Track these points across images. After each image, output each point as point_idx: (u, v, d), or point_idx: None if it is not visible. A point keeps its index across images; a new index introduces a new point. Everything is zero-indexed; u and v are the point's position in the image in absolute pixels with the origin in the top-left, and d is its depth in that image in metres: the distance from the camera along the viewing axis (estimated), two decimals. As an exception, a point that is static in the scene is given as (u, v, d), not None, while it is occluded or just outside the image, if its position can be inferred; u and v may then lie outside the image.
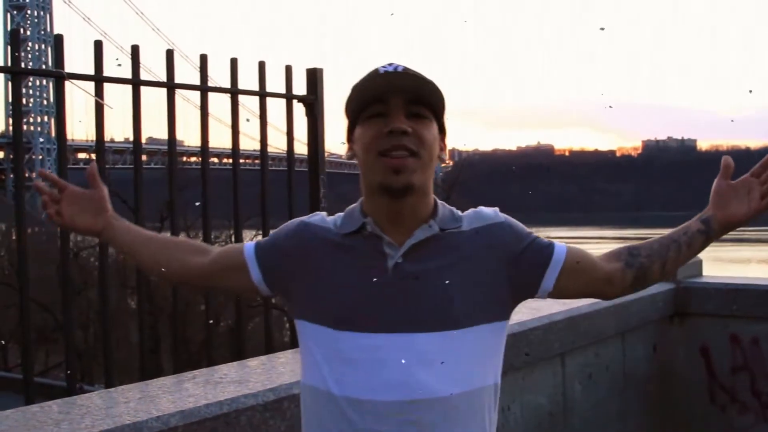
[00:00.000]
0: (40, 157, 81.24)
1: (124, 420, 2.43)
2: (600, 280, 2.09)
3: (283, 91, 4.65)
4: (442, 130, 2.01)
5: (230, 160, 4.47)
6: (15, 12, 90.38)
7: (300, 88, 4.74)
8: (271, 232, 2.17)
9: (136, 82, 3.94)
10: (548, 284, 2.03)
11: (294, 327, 5.08)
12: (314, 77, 4.81)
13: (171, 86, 4.11)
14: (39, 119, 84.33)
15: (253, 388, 2.81)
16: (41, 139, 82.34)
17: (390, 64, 1.96)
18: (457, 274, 1.94)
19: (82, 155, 60.69)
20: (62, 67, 3.67)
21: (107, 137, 3.95)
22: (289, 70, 4.65)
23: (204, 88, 4.27)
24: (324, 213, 2.13)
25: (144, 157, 4.22)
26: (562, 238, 2.50)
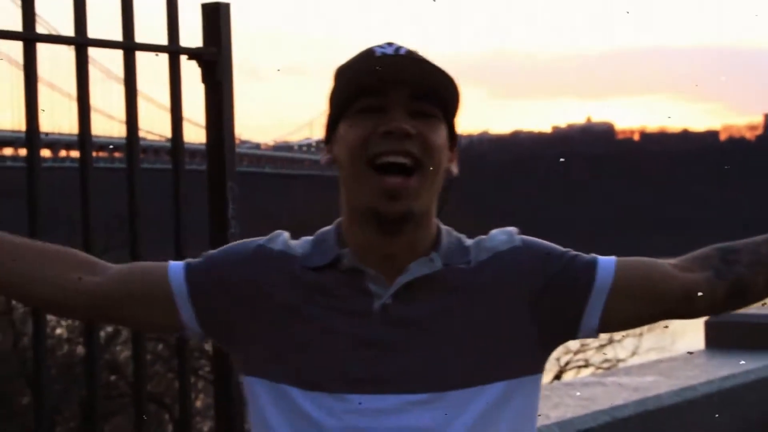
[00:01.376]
0: None
1: None
2: (673, 296, 2.34)
3: (164, 41, 4.61)
4: (452, 136, 2.27)
5: (77, 154, 4.47)
6: None
7: (195, 37, 4.67)
8: (208, 252, 2.41)
9: None
10: (592, 320, 2.33)
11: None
12: (216, 19, 4.64)
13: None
14: None
15: None
16: None
17: (390, 44, 2.23)
18: (461, 321, 2.29)
19: None
20: None
21: None
22: (173, 5, 4.60)
23: (30, 37, 4.28)
24: (287, 234, 2.38)
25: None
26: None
